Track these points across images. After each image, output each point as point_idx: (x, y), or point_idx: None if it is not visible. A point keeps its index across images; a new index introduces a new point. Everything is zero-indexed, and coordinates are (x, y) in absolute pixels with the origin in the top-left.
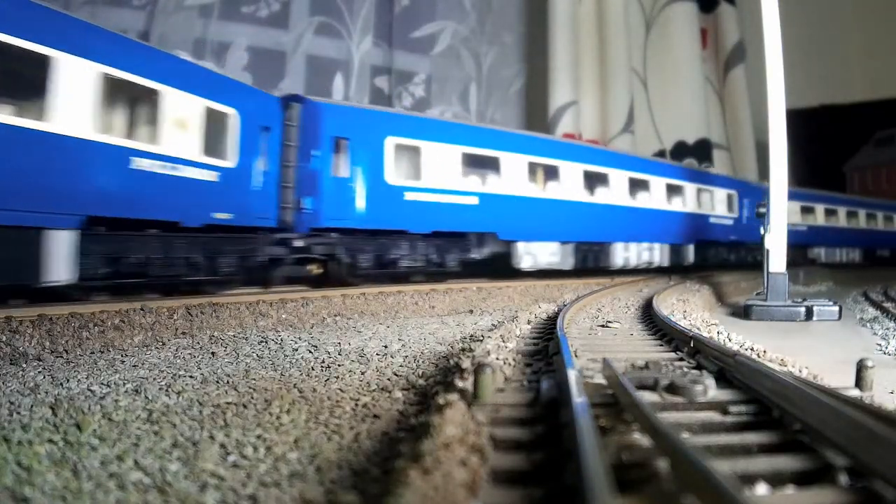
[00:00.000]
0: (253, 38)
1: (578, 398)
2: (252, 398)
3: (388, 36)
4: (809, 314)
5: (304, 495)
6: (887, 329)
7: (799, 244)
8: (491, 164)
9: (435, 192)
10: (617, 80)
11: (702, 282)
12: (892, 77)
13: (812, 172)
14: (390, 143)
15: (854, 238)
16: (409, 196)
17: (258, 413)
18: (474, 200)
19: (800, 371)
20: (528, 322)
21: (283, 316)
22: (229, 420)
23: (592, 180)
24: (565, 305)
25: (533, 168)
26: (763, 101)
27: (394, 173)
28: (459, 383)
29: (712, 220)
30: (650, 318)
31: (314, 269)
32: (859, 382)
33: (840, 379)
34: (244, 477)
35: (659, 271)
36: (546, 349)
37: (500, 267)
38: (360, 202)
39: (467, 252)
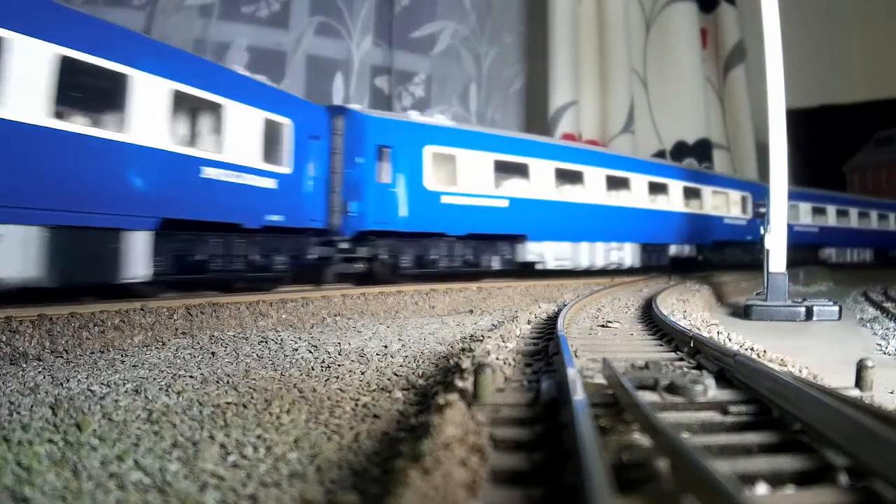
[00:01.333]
0: (253, 38)
1: (578, 398)
2: (252, 398)
3: (388, 36)
4: (809, 314)
5: (304, 495)
6: (887, 329)
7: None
8: None
9: None
10: (617, 80)
11: (702, 282)
12: (892, 77)
13: (812, 172)
14: None
15: (662, 227)
16: None
17: (258, 413)
18: None
19: (800, 371)
20: (528, 322)
21: (283, 316)
22: (229, 420)
23: None
24: (565, 305)
25: None
26: (763, 101)
27: None
28: (459, 383)
29: (293, 184)
30: (650, 318)
31: None
32: (859, 382)
33: (840, 379)
34: (244, 477)
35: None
36: (546, 349)
37: None
38: None
39: None
